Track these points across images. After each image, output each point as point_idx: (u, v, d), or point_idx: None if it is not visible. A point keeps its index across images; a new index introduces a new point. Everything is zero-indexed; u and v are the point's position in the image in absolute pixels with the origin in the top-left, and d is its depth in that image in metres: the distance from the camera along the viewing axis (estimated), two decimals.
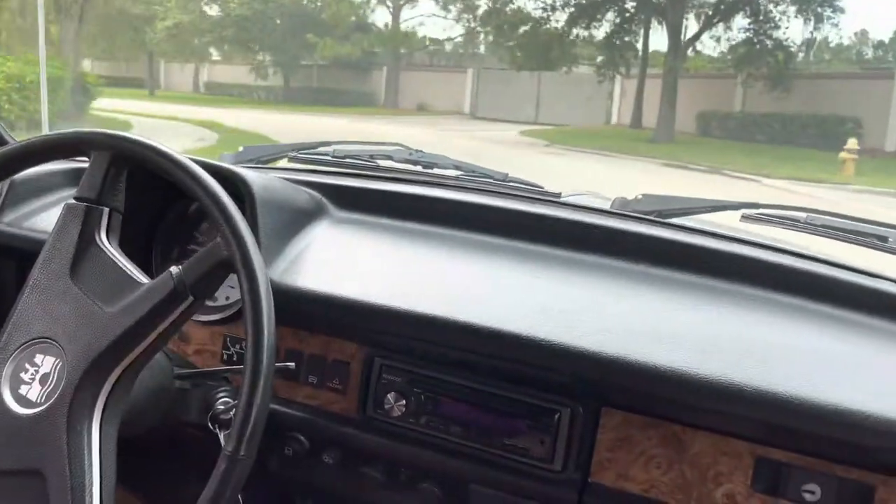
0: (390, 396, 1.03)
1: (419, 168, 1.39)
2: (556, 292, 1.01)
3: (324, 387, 1.09)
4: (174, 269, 0.86)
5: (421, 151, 1.41)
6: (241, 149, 1.48)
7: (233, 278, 1.16)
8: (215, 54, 28.74)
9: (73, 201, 0.90)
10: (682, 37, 18.66)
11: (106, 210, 0.90)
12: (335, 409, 1.09)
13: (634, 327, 0.94)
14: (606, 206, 1.31)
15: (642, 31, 19.70)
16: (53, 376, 0.84)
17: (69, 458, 0.79)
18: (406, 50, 27.30)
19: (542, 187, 1.33)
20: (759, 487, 0.89)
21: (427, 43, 28.07)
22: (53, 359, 0.84)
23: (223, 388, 1.06)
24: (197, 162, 0.92)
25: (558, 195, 1.31)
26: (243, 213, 1.06)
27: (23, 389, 0.84)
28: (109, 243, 0.90)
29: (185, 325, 1.18)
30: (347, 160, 1.39)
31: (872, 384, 0.85)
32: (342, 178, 1.31)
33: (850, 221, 1.11)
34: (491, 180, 1.35)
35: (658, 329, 0.93)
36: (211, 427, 1.02)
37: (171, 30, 25.11)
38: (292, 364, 1.02)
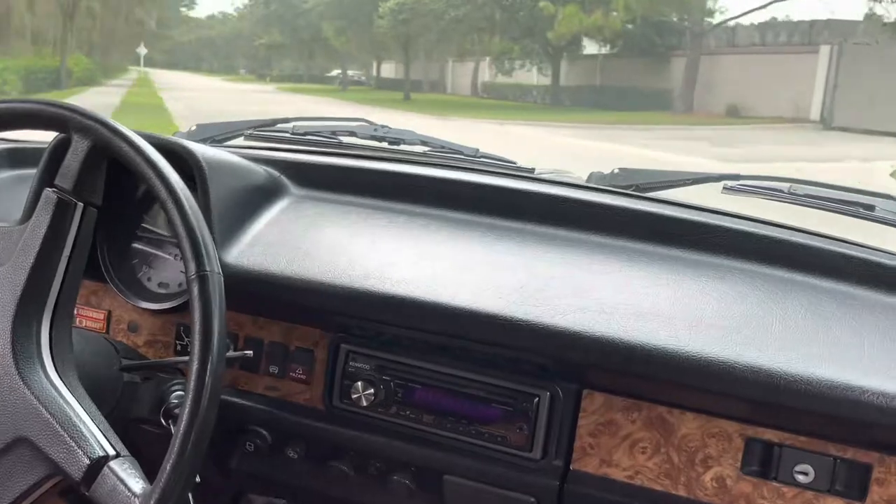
0: (358, 385, 0.97)
1: (384, 144, 1.32)
2: (533, 270, 0.95)
3: (286, 377, 1.02)
4: (49, 189, 0.81)
5: (387, 126, 1.34)
6: (193, 127, 1.39)
7: (181, 264, 1.09)
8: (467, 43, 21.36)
9: None
10: None
11: None
12: (299, 400, 1.02)
13: (615, 304, 0.88)
14: (582, 182, 1.26)
15: None
16: None
17: (43, 406, 0.75)
18: (709, 21, 17.01)
19: (514, 163, 1.26)
20: (749, 470, 0.84)
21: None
22: None
23: (177, 381, 0.99)
24: (140, 134, 0.85)
25: (532, 171, 1.25)
26: (194, 192, 0.98)
27: None
28: None
29: (135, 316, 1.11)
30: (308, 137, 1.31)
31: (866, 358, 0.81)
32: (303, 156, 1.23)
33: (834, 191, 1.06)
34: (461, 156, 1.28)
35: (640, 306, 0.88)
36: (164, 423, 0.95)
37: (397, 13, 19.60)
38: (249, 352, 0.94)
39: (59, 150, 1.00)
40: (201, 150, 1.00)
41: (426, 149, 1.31)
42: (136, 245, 1.12)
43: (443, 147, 1.29)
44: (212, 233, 0.97)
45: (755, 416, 0.84)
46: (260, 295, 0.98)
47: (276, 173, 1.13)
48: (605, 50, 19.13)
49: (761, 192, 1.07)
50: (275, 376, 1.03)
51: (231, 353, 0.94)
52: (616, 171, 1.22)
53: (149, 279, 1.11)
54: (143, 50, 40.01)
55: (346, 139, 1.32)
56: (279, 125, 1.36)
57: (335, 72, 32.39)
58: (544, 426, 0.90)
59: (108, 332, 1.12)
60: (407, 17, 19.62)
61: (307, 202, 1.11)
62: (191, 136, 1.39)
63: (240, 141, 1.34)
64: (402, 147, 1.31)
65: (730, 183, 1.10)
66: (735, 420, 0.85)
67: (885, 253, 0.99)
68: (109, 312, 1.12)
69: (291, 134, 1.32)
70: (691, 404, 0.86)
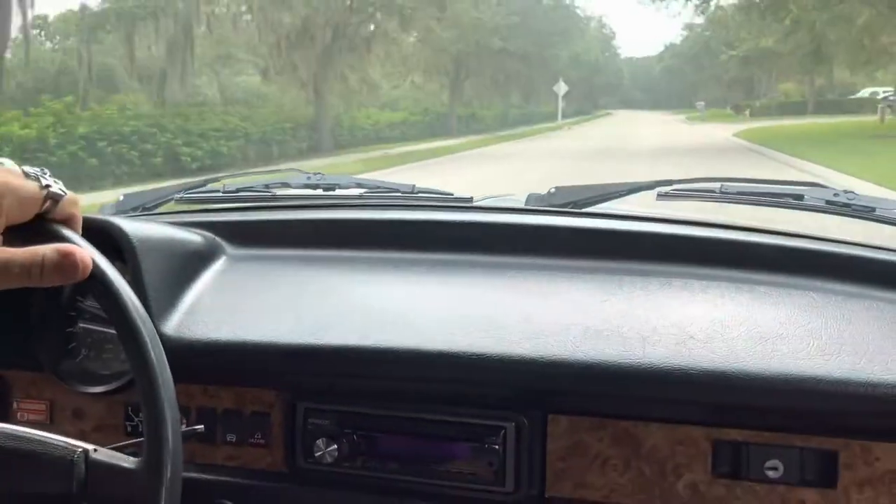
0: (320, 442, 0.94)
1: (320, 191, 1.30)
2: (479, 300, 0.94)
3: (245, 443, 0.99)
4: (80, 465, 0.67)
5: (320, 174, 1.32)
6: (121, 197, 1.36)
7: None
8: None
9: None
10: None
11: None
12: (261, 465, 0.99)
13: (566, 326, 0.88)
14: (520, 205, 1.26)
15: None
16: None
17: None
18: None
19: (451, 195, 1.26)
20: (720, 472, 0.84)
21: None
22: None
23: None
24: None
25: (470, 199, 1.25)
26: (125, 267, 0.95)
27: None
28: None
29: (79, 402, 1.06)
30: (240, 194, 1.29)
31: (815, 346, 0.82)
32: (236, 214, 1.21)
33: (764, 185, 1.09)
34: (398, 194, 1.28)
35: (591, 323, 0.88)
36: None
37: None
38: (201, 427, 0.91)
39: None
40: (129, 225, 0.96)
41: (362, 191, 1.30)
42: (72, 328, 1.07)
43: (378, 187, 1.29)
44: (148, 308, 0.94)
45: (717, 418, 0.84)
46: (206, 364, 0.95)
47: (210, 235, 1.10)
48: None
49: (693, 194, 1.08)
50: (233, 444, 0.99)
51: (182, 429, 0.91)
52: (552, 190, 1.23)
53: (89, 361, 1.06)
54: (561, 88, 29.58)
55: (279, 191, 1.30)
56: (210, 185, 1.34)
57: (866, 91, 17.96)
58: (514, 457, 0.89)
59: (51, 422, 1.07)
60: None
61: (244, 261, 1.09)
62: (119, 206, 1.35)
63: (171, 206, 1.31)
64: (338, 192, 1.30)
65: (663, 189, 1.12)
66: (699, 425, 0.85)
67: (819, 239, 1.02)
68: (51, 402, 1.07)
69: (223, 193, 1.29)
70: (654, 415, 0.86)
